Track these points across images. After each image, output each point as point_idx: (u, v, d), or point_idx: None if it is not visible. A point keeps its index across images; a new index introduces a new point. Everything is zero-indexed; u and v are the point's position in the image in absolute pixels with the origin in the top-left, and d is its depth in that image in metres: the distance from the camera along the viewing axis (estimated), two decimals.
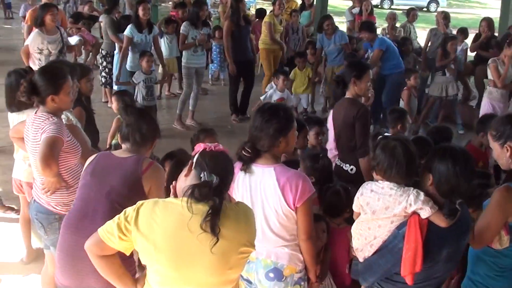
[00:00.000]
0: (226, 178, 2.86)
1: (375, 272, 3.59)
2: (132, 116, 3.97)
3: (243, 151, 3.77)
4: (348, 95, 5.57)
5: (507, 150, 3.50)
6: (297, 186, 3.65)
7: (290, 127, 3.76)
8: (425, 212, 3.31)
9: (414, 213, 3.36)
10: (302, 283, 3.93)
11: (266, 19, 11.57)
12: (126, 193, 3.67)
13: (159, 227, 2.77)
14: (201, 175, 2.78)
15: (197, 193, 2.73)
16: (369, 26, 10.45)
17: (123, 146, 3.93)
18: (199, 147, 2.93)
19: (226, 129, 10.05)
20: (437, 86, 10.41)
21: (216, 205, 2.71)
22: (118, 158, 3.81)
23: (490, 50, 11.06)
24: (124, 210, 2.89)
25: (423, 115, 10.49)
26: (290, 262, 3.83)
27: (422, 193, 3.36)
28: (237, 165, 3.80)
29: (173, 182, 2.97)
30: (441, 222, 3.29)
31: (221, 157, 2.90)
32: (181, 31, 9.90)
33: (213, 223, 2.68)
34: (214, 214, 2.69)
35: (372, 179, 3.73)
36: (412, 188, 3.41)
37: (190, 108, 10.36)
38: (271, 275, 3.84)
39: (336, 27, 11.27)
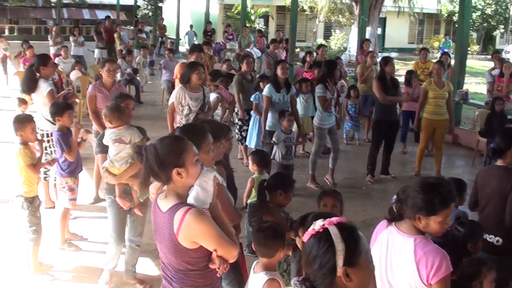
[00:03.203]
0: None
1: None
2: None
3: (393, 207, 3.71)
4: (501, 163, 5.36)
5: None
6: (434, 262, 3.47)
7: (433, 213, 3.53)
8: None
9: None
10: None
11: (423, 85, 11.13)
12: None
13: None
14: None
15: None
16: None
17: None
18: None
19: (361, 190, 9.92)
20: None
21: None
22: None
23: None
24: None
25: None
26: None
27: None
28: (383, 223, 3.78)
29: None
30: None
31: None
32: (318, 94, 9.89)
33: None
34: None
35: None
36: None
37: (330, 166, 10.33)
38: None
39: None
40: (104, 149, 6.09)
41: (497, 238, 5.27)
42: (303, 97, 11.31)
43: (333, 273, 2.51)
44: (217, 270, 3.66)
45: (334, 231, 2.55)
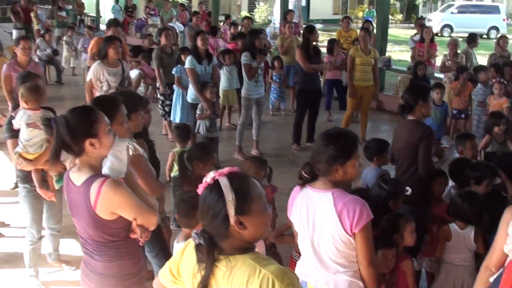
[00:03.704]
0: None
1: None
2: None
3: (302, 172, 3.74)
4: (411, 117, 5.56)
5: None
6: (355, 211, 3.54)
7: (349, 157, 3.62)
8: None
9: None
10: None
11: (350, 52, 11.23)
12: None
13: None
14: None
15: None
16: None
17: None
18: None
19: (288, 159, 9.92)
20: None
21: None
22: None
23: None
24: None
25: None
26: None
27: None
28: (296, 188, 3.83)
29: None
30: None
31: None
32: (243, 62, 9.80)
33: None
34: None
35: None
36: None
37: (254, 138, 10.30)
38: None
39: None
40: (14, 134, 5.61)
41: (407, 188, 5.40)
42: (227, 69, 11.17)
43: (226, 222, 2.50)
44: (138, 239, 3.64)
45: (224, 182, 2.53)
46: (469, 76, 11.07)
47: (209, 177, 2.58)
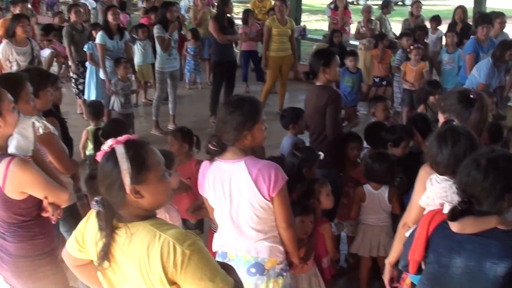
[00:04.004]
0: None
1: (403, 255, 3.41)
2: None
3: (209, 145, 3.66)
4: (318, 83, 5.60)
5: None
6: (270, 176, 3.55)
7: (255, 121, 3.62)
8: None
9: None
10: (284, 274, 3.88)
11: (266, 23, 11.21)
12: None
13: None
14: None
15: None
16: None
17: None
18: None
19: (206, 132, 9.84)
20: None
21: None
22: None
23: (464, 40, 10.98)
24: None
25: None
26: (271, 255, 3.79)
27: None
28: (206, 163, 3.78)
29: None
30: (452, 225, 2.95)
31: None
32: (156, 34, 9.64)
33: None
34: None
35: None
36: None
37: (171, 112, 10.21)
38: (253, 270, 3.80)
39: None
40: None
41: (320, 153, 5.45)
42: (141, 44, 10.97)
43: (122, 191, 2.48)
44: (51, 217, 3.58)
45: (120, 150, 2.49)
46: (388, 43, 11.25)
47: (106, 145, 2.53)
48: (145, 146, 2.57)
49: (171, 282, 2.44)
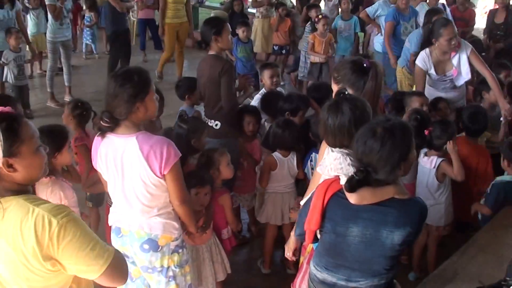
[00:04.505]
0: None
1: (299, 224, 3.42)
2: None
3: (101, 121, 3.54)
4: (211, 52, 5.54)
5: None
6: (162, 153, 3.47)
7: (147, 92, 3.52)
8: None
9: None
10: (180, 251, 3.86)
11: None
12: None
13: None
14: None
15: None
16: None
17: None
18: None
19: (103, 103, 9.67)
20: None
21: None
22: None
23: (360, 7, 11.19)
24: None
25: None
26: (164, 232, 3.73)
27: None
28: (97, 138, 3.68)
29: None
30: (350, 197, 2.98)
31: None
32: (47, 2, 9.32)
33: None
34: None
35: None
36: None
37: (66, 84, 9.96)
38: (146, 246, 3.74)
39: None
40: None
41: (216, 122, 5.51)
42: (33, 13, 10.60)
43: None
44: None
45: None
46: (286, 11, 11.32)
47: None
48: (18, 118, 2.49)
49: (47, 258, 2.40)
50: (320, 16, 9.79)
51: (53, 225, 2.36)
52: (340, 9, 11.32)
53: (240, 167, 5.62)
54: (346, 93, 3.58)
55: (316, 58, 9.85)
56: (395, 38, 8.94)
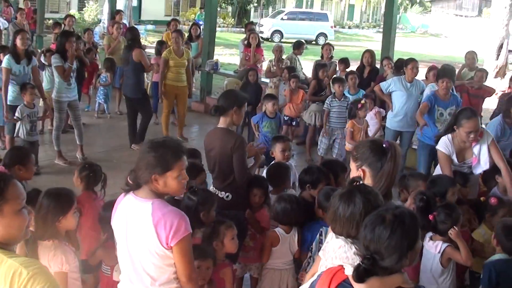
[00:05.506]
0: None
1: None
2: None
3: (128, 178, 3.56)
4: (222, 124, 5.53)
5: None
6: (172, 224, 3.41)
7: (167, 168, 3.47)
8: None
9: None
10: None
11: (163, 54, 11.32)
12: None
13: None
14: None
15: None
16: None
17: None
18: None
19: (113, 163, 9.69)
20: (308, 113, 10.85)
21: None
22: None
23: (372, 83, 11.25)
24: None
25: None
26: None
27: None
28: (121, 195, 3.68)
29: None
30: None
31: None
32: (54, 64, 9.43)
33: None
34: None
35: None
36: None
37: (78, 143, 9.95)
38: None
39: None
40: None
41: (227, 194, 5.50)
42: (49, 70, 10.73)
43: None
44: None
45: None
46: (295, 83, 11.33)
47: None
48: (6, 178, 2.57)
49: None
50: (363, 102, 9.02)
51: (23, 275, 2.43)
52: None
53: (253, 237, 5.54)
54: (361, 182, 3.51)
55: (350, 146, 8.99)
56: (428, 120, 8.52)
